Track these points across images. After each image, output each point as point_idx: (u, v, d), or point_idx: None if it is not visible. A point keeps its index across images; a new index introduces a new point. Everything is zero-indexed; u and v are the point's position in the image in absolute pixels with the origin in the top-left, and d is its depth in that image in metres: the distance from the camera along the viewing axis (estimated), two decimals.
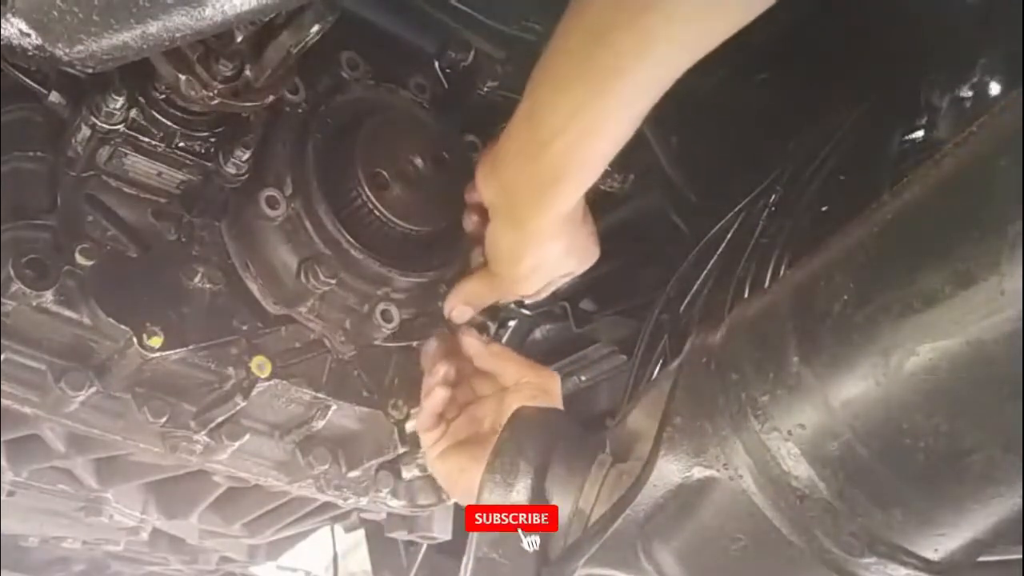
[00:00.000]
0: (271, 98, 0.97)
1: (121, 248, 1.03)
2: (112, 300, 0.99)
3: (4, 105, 0.99)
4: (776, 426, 0.62)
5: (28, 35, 0.66)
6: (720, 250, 1.23)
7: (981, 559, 0.64)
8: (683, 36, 0.77)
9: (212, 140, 1.02)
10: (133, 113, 0.95)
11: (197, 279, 1.06)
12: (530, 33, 1.19)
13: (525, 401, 1.02)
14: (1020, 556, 0.89)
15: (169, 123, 0.98)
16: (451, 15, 1.17)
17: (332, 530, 2.05)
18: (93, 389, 1.04)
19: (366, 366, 1.17)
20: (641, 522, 0.70)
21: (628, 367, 1.35)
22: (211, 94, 0.91)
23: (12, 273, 0.92)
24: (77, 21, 0.64)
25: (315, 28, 0.88)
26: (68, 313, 0.99)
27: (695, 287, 1.25)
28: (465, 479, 1.05)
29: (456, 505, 1.41)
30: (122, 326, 0.98)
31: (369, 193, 1.04)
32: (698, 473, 0.66)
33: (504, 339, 1.53)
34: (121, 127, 0.95)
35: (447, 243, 1.13)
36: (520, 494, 0.83)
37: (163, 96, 0.96)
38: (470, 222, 1.07)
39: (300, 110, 1.08)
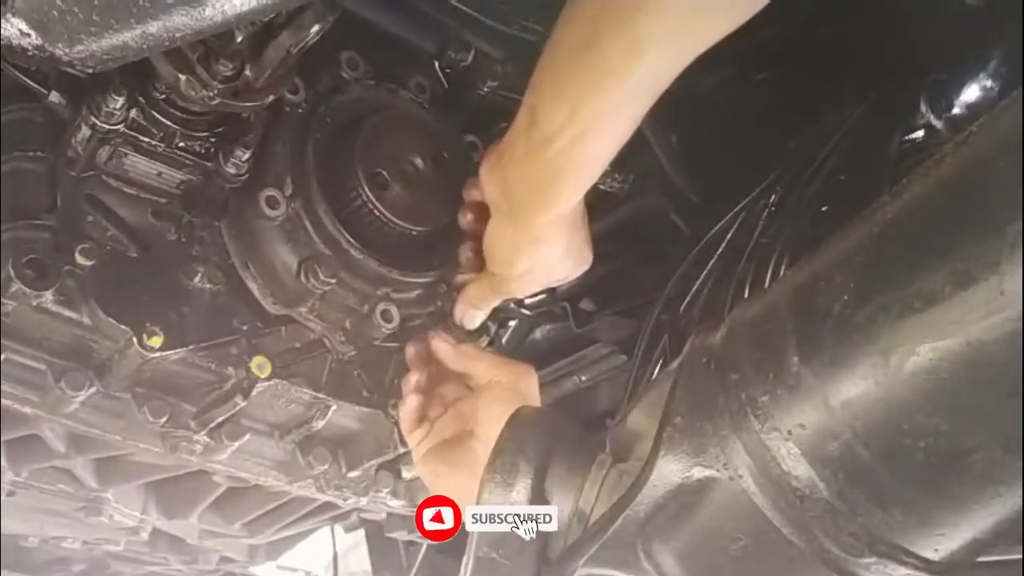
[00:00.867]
0: (271, 98, 0.97)
1: (121, 248, 1.03)
2: (112, 300, 0.99)
3: (4, 105, 0.99)
4: (776, 426, 0.62)
5: (28, 35, 0.66)
6: (720, 250, 1.23)
7: (981, 559, 0.64)
8: (673, 39, 0.77)
9: (212, 140, 1.02)
10: (133, 113, 0.95)
11: (197, 279, 1.06)
12: (530, 33, 1.19)
13: (495, 400, 1.02)
14: (1020, 556, 0.89)
15: (169, 123, 0.98)
16: (451, 15, 1.17)
17: (332, 530, 2.05)
18: (93, 389, 1.04)
19: (366, 366, 1.17)
20: (641, 522, 0.70)
21: (628, 367, 1.35)
22: (211, 94, 0.91)
23: (12, 273, 0.92)
24: (77, 21, 0.64)
25: (315, 28, 0.88)
26: (68, 313, 0.99)
27: (695, 287, 1.25)
28: (440, 485, 1.04)
29: None
30: (122, 326, 0.98)
31: (369, 193, 1.04)
32: (698, 473, 0.66)
33: (504, 339, 1.53)
34: (121, 127, 0.95)
35: (447, 243, 1.13)
36: (520, 494, 0.83)
37: (163, 96, 0.96)
38: (465, 219, 1.08)
39: (300, 110, 1.08)
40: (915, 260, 0.56)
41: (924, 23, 1.10)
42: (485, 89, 1.19)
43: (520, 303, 1.37)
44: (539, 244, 0.98)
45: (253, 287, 1.09)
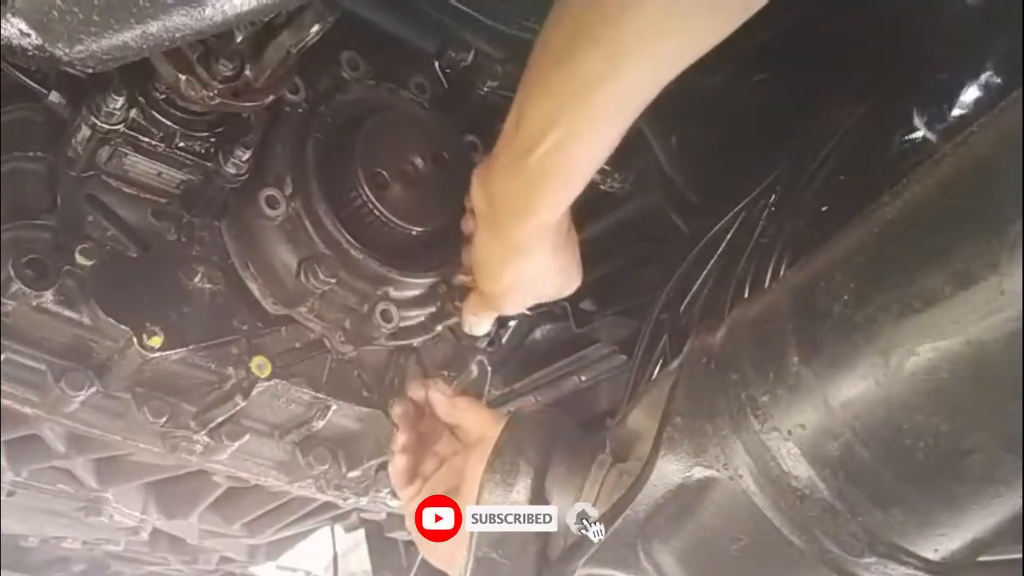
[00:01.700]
0: (271, 98, 0.97)
1: (121, 248, 1.03)
2: (112, 300, 0.99)
3: (4, 105, 0.99)
4: (776, 426, 0.62)
5: (28, 35, 0.66)
6: (720, 250, 1.23)
7: (981, 559, 0.64)
8: (655, 49, 0.76)
9: (212, 140, 1.02)
10: (133, 113, 0.95)
11: (197, 279, 1.06)
12: (530, 33, 1.19)
13: (480, 461, 0.92)
14: (1020, 556, 0.89)
15: (169, 123, 0.98)
16: (451, 15, 1.17)
17: (332, 530, 2.05)
18: (93, 389, 1.04)
19: (366, 366, 1.17)
20: (641, 522, 0.70)
21: (628, 367, 1.35)
22: (211, 94, 0.91)
23: (12, 273, 0.92)
24: (77, 21, 0.64)
25: (315, 28, 0.88)
26: (68, 313, 0.99)
27: (695, 287, 1.25)
28: (426, 547, 1.00)
29: None
30: (122, 326, 0.98)
31: (369, 193, 1.04)
32: (698, 473, 0.66)
33: (504, 339, 1.53)
34: (121, 127, 0.95)
35: (447, 243, 1.13)
36: (520, 494, 0.83)
37: (163, 96, 0.96)
38: (467, 225, 1.07)
39: (300, 110, 1.07)
40: (915, 260, 0.56)
41: (924, 23, 1.10)
42: (485, 89, 1.19)
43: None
44: (521, 256, 0.96)
45: (253, 287, 1.08)
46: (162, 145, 1.00)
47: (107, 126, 0.94)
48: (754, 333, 0.66)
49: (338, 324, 1.11)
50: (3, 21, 0.66)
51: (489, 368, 1.25)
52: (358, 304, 1.10)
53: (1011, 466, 0.55)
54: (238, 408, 1.06)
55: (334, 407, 1.14)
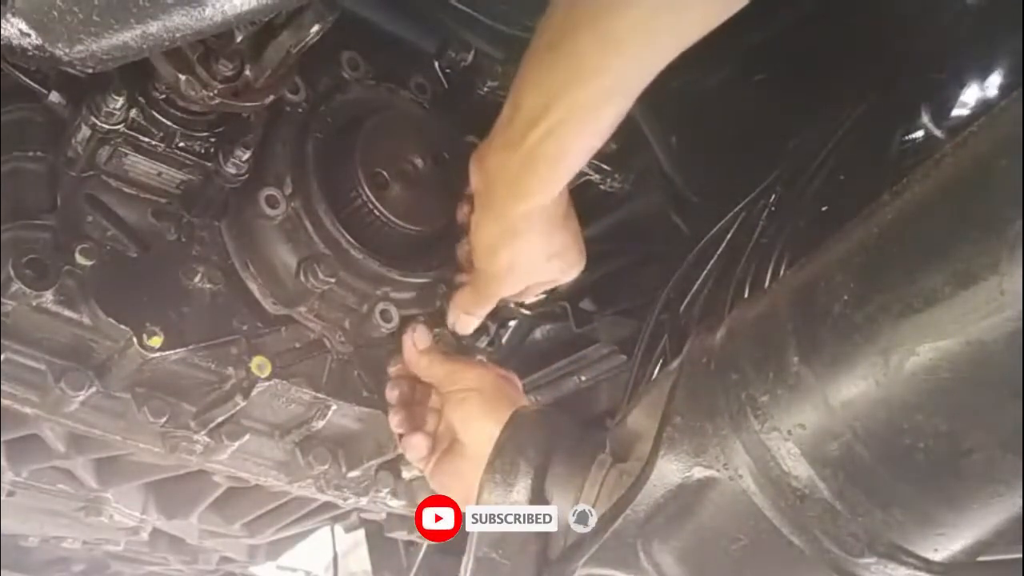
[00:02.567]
0: (271, 98, 0.97)
1: (121, 248, 1.03)
2: (112, 300, 0.99)
3: (4, 105, 0.99)
4: (776, 426, 0.62)
5: (28, 35, 0.66)
6: (720, 250, 1.23)
7: (981, 559, 0.64)
8: (649, 34, 0.78)
9: (212, 140, 1.02)
10: (133, 113, 0.95)
11: (197, 279, 1.06)
12: (530, 33, 1.19)
13: (455, 409, 1.03)
14: (1020, 556, 0.89)
15: (169, 123, 0.98)
16: (451, 15, 1.17)
17: (332, 530, 2.05)
18: (93, 389, 1.04)
19: (366, 366, 1.16)
20: (641, 522, 0.70)
21: (628, 367, 1.35)
22: (211, 94, 0.91)
23: (12, 273, 0.92)
24: (77, 21, 0.64)
25: (315, 28, 0.88)
26: (68, 313, 0.99)
27: (695, 287, 1.25)
28: (449, 495, 1.04)
29: None
30: (122, 326, 0.98)
31: (369, 193, 1.04)
32: (698, 473, 0.66)
33: (504, 339, 1.53)
34: (121, 127, 0.95)
35: (447, 243, 1.13)
36: (520, 494, 0.83)
37: (163, 96, 0.96)
38: (462, 212, 1.08)
39: (300, 110, 1.08)
40: (915, 260, 0.56)
41: (924, 23, 1.10)
42: (485, 89, 1.19)
43: (520, 303, 1.37)
44: (517, 236, 0.98)
45: (253, 287, 1.08)
46: (162, 145, 1.00)
47: (107, 126, 0.94)
48: (754, 333, 0.66)
49: (338, 324, 1.11)
50: (3, 21, 0.66)
51: None
52: (358, 304, 1.10)
53: (1011, 466, 0.55)
54: (238, 408, 1.06)
55: (334, 407, 1.14)
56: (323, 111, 1.08)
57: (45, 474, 1.41)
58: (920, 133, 1.13)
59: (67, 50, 0.67)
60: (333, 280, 1.03)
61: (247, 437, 1.15)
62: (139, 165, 1.02)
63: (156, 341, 0.99)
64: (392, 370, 1.13)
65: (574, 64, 0.82)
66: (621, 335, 1.45)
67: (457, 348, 1.19)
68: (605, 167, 1.25)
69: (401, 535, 1.53)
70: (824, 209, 1.16)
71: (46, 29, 0.65)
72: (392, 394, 1.10)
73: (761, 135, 1.25)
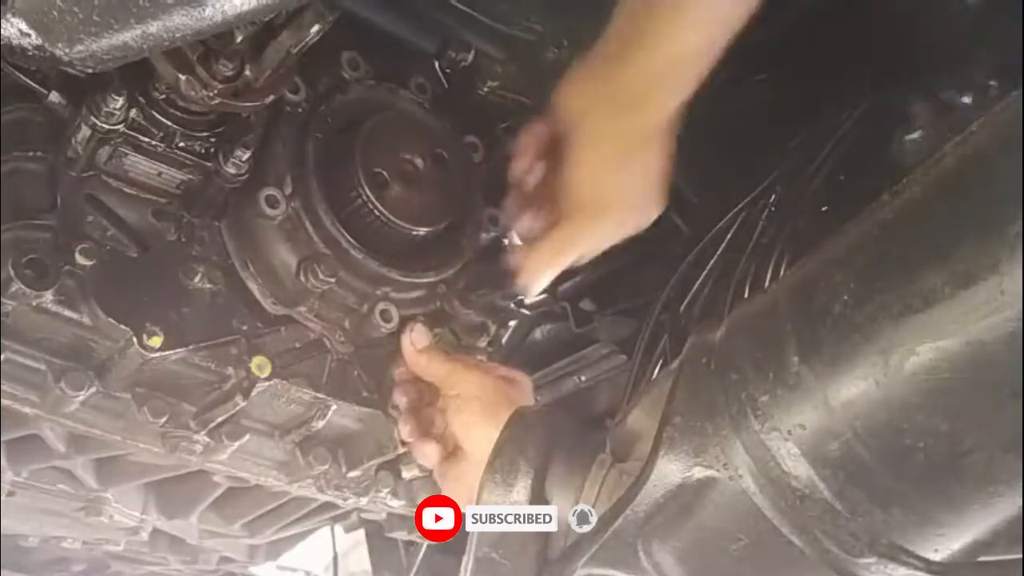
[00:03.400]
0: (271, 98, 0.97)
1: (121, 248, 1.03)
2: (112, 300, 0.99)
3: (4, 105, 0.99)
4: (776, 426, 0.62)
5: (28, 35, 0.66)
6: (720, 250, 1.23)
7: (981, 559, 0.64)
8: None
9: (212, 140, 1.02)
10: (133, 113, 0.95)
11: (197, 279, 1.06)
12: (530, 33, 1.19)
13: (455, 415, 1.02)
14: (1020, 556, 0.89)
15: (169, 123, 0.98)
16: (451, 15, 1.17)
17: (332, 530, 2.04)
18: (93, 389, 1.04)
19: (366, 366, 1.16)
20: (641, 522, 0.70)
21: (628, 367, 1.35)
22: (211, 94, 0.91)
23: (12, 273, 0.92)
24: (77, 21, 0.64)
25: (315, 28, 0.88)
26: (68, 313, 0.99)
27: (695, 287, 1.25)
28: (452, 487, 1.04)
29: None
30: (122, 326, 0.98)
31: (369, 193, 1.04)
32: (698, 473, 0.66)
33: (504, 339, 1.53)
34: (121, 127, 0.95)
35: (447, 243, 1.13)
36: (520, 494, 0.83)
37: (163, 96, 0.96)
38: (533, 173, 1.06)
39: (300, 110, 1.08)
40: (915, 260, 0.56)
41: (924, 23, 1.10)
42: (485, 89, 1.19)
43: (520, 303, 1.37)
44: (638, 152, 0.96)
45: (253, 287, 1.08)
46: (162, 145, 1.00)
47: (107, 126, 0.94)
48: (754, 333, 0.66)
49: (338, 324, 1.11)
50: (3, 21, 0.66)
51: None
52: (358, 304, 1.10)
53: (1011, 466, 0.55)
54: (238, 408, 1.06)
55: (334, 407, 1.14)
56: (323, 111, 1.08)
57: (45, 474, 1.40)
58: (920, 133, 1.13)
59: (67, 50, 0.67)
60: (333, 280, 1.03)
61: (247, 437, 1.15)
62: (139, 165, 1.02)
63: (156, 341, 0.99)
64: (397, 373, 1.12)
65: None
66: (621, 335, 1.45)
67: (457, 348, 1.19)
68: None
69: (401, 535, 1.53)
70: (824, 209, 1.16)
71: (46, 29, 0.65)
72: (401, 400, 1.09)
73: (761, 135, 1.25)
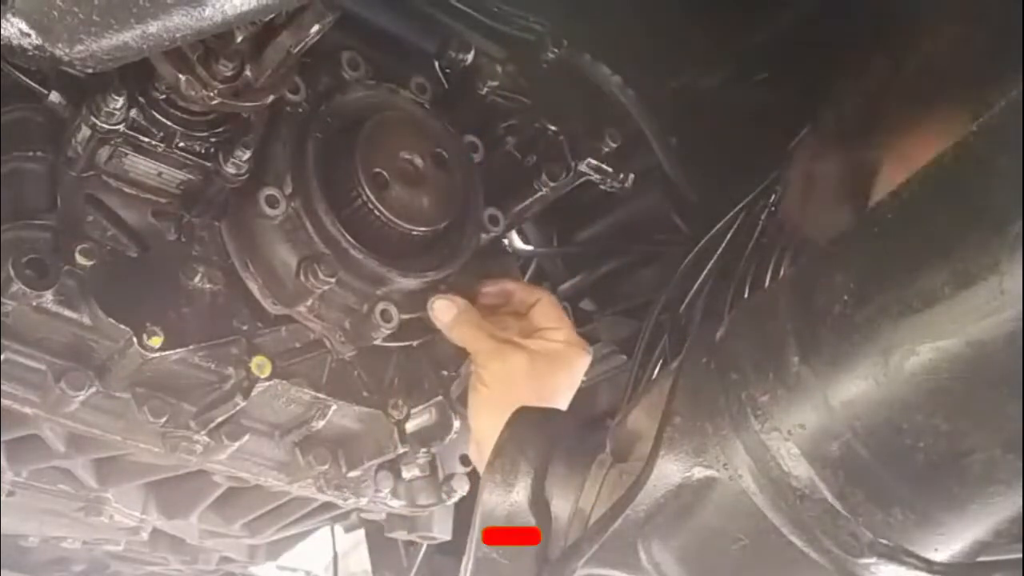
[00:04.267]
0: (271, 98, 0.97)
1: (121, 248, 1.03)
2: (112, 300, 0.99)
3: (4, 105, 0.99)
4: (776, 426, 0.62)
5: (28, 35, 0.66)
6: (720, 250, 1.23)
7: (981, 559, 0.64)
8: None
9: (212, 140, 1.02)
10: (133, 113, 0.95)
11: (197, 279, 1.06)
12: (530, 33, 1.19)
13: (470, 391, 1.08)
14: (1020, 556, 0.89)
15: (169, 123, 0.98)
16: (451, 15, 1.17)
17: (332, 530, 2.04)
18: (93, 389, 1.04)
19: (366, 366, 1.16)
20: (641, 522, 0.70)
21: (628, 367, 1.35)
22: (211, 94, 0.91)
23: (12, 273, 0.92)
24: (77, 21, 0.64)
25: (315, 28, 0.88)
26: (68, 313, 0.99)
27: (695, 287, 1.25)
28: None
29: (456, 505, 1.41)
30: (122, 326, 0.98)
31: (369, 193, 1.04)
32: (698, 473, 0.66)
33: None
34: (121, 127, 0.95)
35: (447, 243, 1.13)
36: (520, 494, 0.83)
37: (163, 96, 0.96)
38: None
39: (300, 110, 1.07)
40: (915, 260, 0.56)
41: (924, 22, 1.10)
42: (485, 89, 1.19)
43: None
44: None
45: (253, 287, 1.08)
46: (162, 145, 1.00)
47: (107, 126, 0.94)
48: (754, 333, 0.66)
49: (338, 324, 1.11)
50: (3, 21, 0.66)
51: None
52: (358, 304, 1.10)
53: (1011, 466, 0.55)
54: (238, 408, 1.06)
55: (334, 407, 1.14)
56: (323, 111, 1.08)
57: (45, 474, 1.40)
58: None
59: (67, 50, 0.67)
60: (333, 280, 1.03)
61: (247, 437, 1.15)
62: (139, 165, 1.02)
63: (156, 341, 0.99)
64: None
65: None
66: (621, 335, 1.45)
67: (457, 346, 1.18)
68: (605, 167, 1.25)
69: (401, 535, 1.53)
70: None
71: (46, 29, 0.65)
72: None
73: (761, 135, 1.25)
